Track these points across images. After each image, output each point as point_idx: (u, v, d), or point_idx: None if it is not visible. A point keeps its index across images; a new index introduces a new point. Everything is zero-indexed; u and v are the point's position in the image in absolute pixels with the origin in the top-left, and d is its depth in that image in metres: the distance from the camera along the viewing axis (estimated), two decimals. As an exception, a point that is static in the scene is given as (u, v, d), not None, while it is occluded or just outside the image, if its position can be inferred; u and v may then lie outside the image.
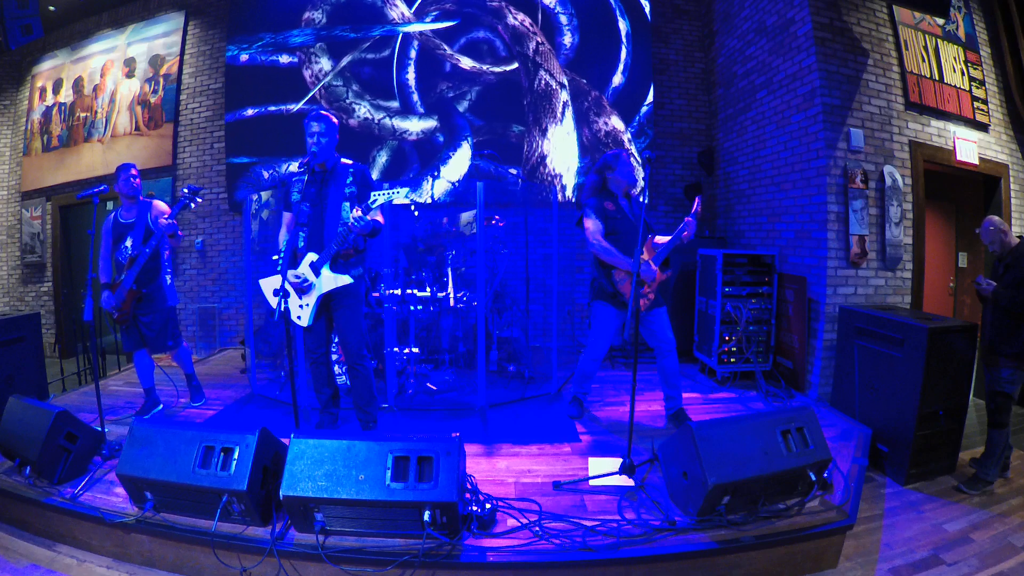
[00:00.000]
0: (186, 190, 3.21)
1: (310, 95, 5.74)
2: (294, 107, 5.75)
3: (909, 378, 2.91)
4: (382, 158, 5.71)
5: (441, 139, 5.70)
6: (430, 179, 5.64)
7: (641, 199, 2.74)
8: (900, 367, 2.99)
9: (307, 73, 5.76)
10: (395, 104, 5.72)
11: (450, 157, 5.68)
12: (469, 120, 5.71)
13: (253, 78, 5.80)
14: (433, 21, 5.71)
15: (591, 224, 3.12)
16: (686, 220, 2.97)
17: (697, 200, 3.03)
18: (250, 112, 5.81)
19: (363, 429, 2.99)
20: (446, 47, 5.71)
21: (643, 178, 2.71)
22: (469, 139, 5.68)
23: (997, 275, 2.98)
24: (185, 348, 3.57)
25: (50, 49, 6.59)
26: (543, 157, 5.67)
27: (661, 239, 3.09)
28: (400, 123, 5.72)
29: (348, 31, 5.72)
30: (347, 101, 5.72)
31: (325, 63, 5.74)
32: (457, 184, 5.62)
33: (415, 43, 5.72)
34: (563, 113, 5.68)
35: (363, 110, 5.72)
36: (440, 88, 5.73)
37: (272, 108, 5.79)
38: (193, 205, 3.21)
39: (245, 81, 5.82)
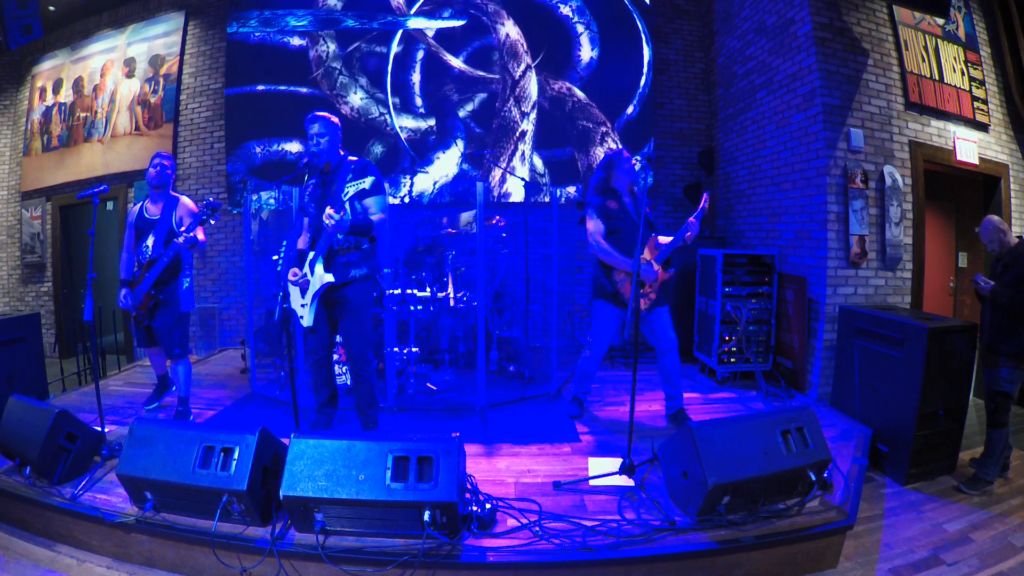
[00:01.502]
0: (206, 204, 3.03)
1: (312, 77, 5.75)
2: (296, 89, 5.75)
3: (909, 378, 2.91)
4: (377, 149, 5.71)
5: (433, 140, 5.71)
6: (416, 177, 5.66)
7: (644, 198, 2.74)
8: (900, 367, 2.99)
9: (312, 57, 5.75)
10: (396, 100, 5.72)
11: (438, 158, 5.68)
12: (468, 126, 5.70)
13: (255, 55, 5.78)
14: (440, 19, 5.70)
15: (592, 224, 3.12)
16: (689, 221, 2.95)
17: (705, 196, 2.99)
18: (247, 89, 5.81)
19: (363, 429, 2.99)
20: (446, 53, 5.70)
21: (644, 179, 2.72)
22: (462, 143, 5.68)
23: (996, 274, 2.98)
24: (188, 366, 3.33)
25: (50, 49, 6.59)
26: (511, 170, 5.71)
27: (664, 239, 3.08)
28: (398, 119, 5.72)
29: (356, 20, 5.70)
30: (348, 90, 5.73)
31: (332, 48, 5.73)
32: (442, 184, 5.63)
33: (422, 43, 5.72)
34: (519, 138, 5.68)
35: (361, 100, 5.72)
36: (443, 91, 5.72)
37: (263, 87, 5.78)
38: (212, 221, 3.08)
39: (246, 57, 5.79)
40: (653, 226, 3.19)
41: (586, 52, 5.73)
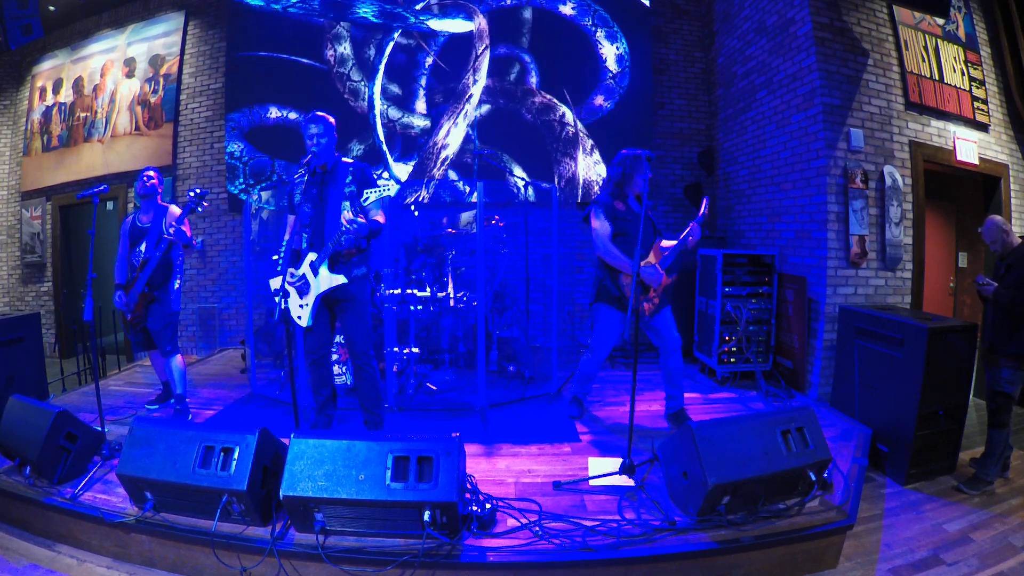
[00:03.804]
0: (193, 193, 3.22)
1: (320, 53, 5.75)
2: (300, 59, 5.73)
3: (909, 378, 2.91)
4: (369, 138, 5.74)
5: (424, 140, 5.71)
6: (397, 170, 5.69)
7: (645, 201, 2.75)
8: (900, 367, 2.99)
9: (326, 34, 5.74)
10: (399, 92, 5.73)
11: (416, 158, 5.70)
12: (467, 133, 5.69)
13: (262, 21, 5.76)
14: (444, 18, 5.69)
15: (599, 225, 3.06)
16: (691, 225, 2.97)
17: (704, 201, 3.01)
18: (251, 54, 5.77)
19: (369, 430, 2.98)
20: (435, 57, 5.70)
21: (644, 179, 2.72)
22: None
23: (998, 275, 2.97)
24: (181, 364, 3.39)
25: (50, 49, 6.59)
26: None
27: (667, 243, 3.08)
28: (396, 113, 5.73)
29: (348, 7, 5.69)
30: (351, 75, 5.74)
31: (345, 29, 5.74)
32: (403, 184, 5.66)
33: (431, 45, 5.71)
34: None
35: (362, 86, 5.73)
36: (446, 95, 5.71)
37: (266, 53, 5.77)
38: (200, 209, 3.25)
39: (253, 23, 5.76)
40: (657, 230, 3.19)
41: (610, 69, 5.70)
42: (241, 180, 5.77)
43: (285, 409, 3.55)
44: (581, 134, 5.67)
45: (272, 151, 5.77)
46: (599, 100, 5.69)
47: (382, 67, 5.71)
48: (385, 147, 5.70)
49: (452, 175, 5.67)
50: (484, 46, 5.66)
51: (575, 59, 5.68)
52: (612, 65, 5.68)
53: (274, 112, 5.79)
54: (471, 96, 5.66)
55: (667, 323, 3.14)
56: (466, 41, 5.69)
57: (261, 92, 5.77)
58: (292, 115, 5.78)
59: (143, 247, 3.27)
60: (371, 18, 5.67)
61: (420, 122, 5.73)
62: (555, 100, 5.67)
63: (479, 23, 5.67)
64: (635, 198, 3.17)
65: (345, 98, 5.70)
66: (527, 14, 5.71)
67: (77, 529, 2.31)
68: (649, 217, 3.12)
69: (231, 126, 5.78)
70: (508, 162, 5.62)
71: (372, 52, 5.72)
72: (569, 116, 5.66)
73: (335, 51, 5.73)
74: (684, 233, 2.98)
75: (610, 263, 3.05)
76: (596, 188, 5.62)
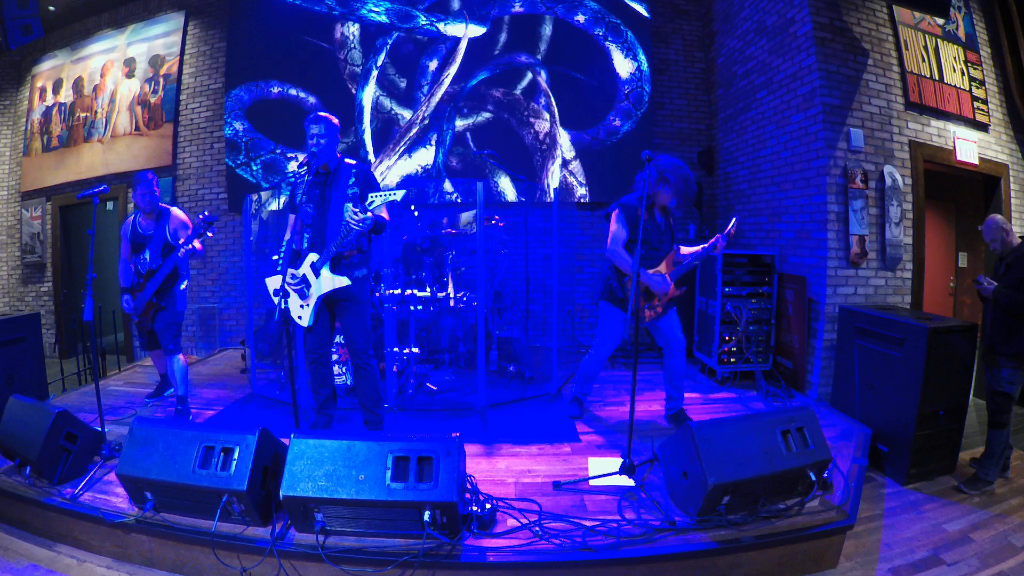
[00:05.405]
0: (202, 215, 3.16)
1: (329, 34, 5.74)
2: (304, 38, 5.73)
3: (909, 378, 2.91)
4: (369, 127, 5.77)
5: (416, 135, 5.70)
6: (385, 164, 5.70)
7: (673, 209, 2.76)
8: (900, 367, 2.99)
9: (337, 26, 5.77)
10: (403, 83, 5.74)
11: (417, 152, 5.72)
12: (464, 137, 5.67)
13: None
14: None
15: (615, 228, 3.03)
16: (717, 237, 2.96)
17: (733, 221, 3.01)
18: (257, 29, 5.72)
19: (369, 430, 2.98)
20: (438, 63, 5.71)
21: (644, 179, 2.72)
22: (436, 148, 5.69)
23: (998, 274, 2.97)
24: (183, 364, 3.38)
25: (50, 49, 6.59)
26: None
27: (687, 250, 3.07)
28: (394, 106, 5.74)
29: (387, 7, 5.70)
30: (354, 59, 5.76)
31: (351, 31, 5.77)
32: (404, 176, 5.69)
33: (442, 45, 5.71)
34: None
35: (358, 58, 5.75)
36: (449, 97, 5.69)
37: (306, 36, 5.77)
38: (209, 235, 3.20)
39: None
40: (675, 237, 3.18)
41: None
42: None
43: (285, 409, 3.55)
44: (562, 140, 5.64)
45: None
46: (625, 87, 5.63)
47: (382, 57, 5.70)
48: (368, 136, 5.69)
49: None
50: (459, 54, 5.67)
51: (587, 65, 5.67)
52: (624, 72, 5.66)
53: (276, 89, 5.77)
54: (437, 93, 5.68)
55: (672, 325, 3.15)
56: (479, 45, 5.68)
57: (260, 70, 5.75)
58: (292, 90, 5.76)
59: (147, 255, 3.24)
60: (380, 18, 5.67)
61: (415, 116, 5.73)
62: (545, 111, 5.66)
63: (465, 32, 5.66)
64: (660, 210, 3.11)
65: (341, 73, 5.70)
66: (545, 22, 5.69)
67: (77, 529, 2.31)
68: (671, 227, 3.14)
69: (232, 104, 5.72)
70: (492, 163, 5.62)
71: (373, 37, 5.74)
72: (545, 117, 5.65)
73: (343, 34, 5.74)
74: (711, 242, 2.97)
75: (617, 265, 3.05)
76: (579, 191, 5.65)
